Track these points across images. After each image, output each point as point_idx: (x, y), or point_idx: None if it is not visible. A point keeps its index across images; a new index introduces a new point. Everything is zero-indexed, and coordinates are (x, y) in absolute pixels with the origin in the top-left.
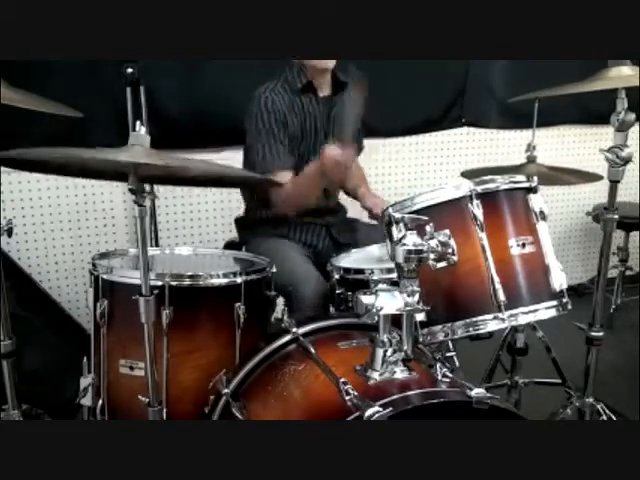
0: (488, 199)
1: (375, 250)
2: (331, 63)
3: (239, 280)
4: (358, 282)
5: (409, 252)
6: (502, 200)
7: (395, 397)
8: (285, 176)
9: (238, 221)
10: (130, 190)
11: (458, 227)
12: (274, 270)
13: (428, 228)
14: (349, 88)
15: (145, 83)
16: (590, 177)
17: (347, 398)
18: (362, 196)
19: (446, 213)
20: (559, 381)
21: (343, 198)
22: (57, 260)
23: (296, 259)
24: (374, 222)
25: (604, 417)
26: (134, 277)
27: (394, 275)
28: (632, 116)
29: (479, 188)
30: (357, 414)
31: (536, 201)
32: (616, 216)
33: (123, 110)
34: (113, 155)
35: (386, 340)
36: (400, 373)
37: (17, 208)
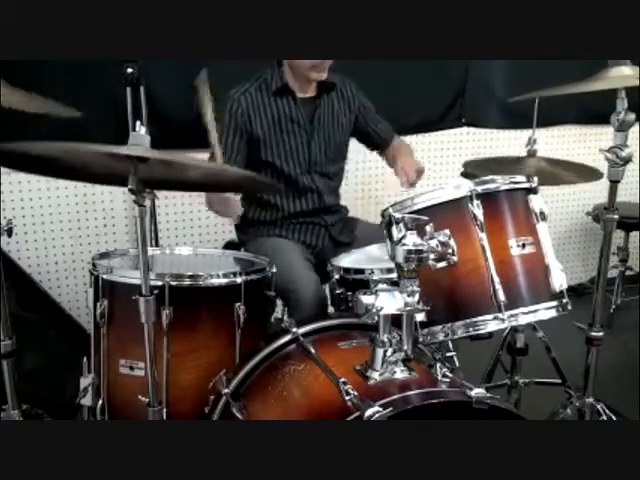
0: (488, 199)
1: (375, 250)
2: (324, 75)
3: (239, 280)
4: (358, 282)
5: (409, 252)
6: (502, 200)
7: (395, 397)
8: None
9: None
10: (130, 190)
11: (458, 227)
12: (274, 270)
13: (428, 228)
14: (338, 86)
15: (145, 83)
16: (591, 173)
17: (347, 398)
18: (395, 169)
19: (446, 213)
20: (559, 381)
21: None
22: (57, 260)
23: (295, 262)
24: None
25: (604, 417)
26: (134, 277)
27: (394, 275)
28: (632, 116)
29: (479, 188)
30: (357, 414)
31: (536, 201)
32: (616, 216)
33: (123, 110)
34: (113, 149)
35: (386, 340)
36: (400, 373)
37: (17, 208)
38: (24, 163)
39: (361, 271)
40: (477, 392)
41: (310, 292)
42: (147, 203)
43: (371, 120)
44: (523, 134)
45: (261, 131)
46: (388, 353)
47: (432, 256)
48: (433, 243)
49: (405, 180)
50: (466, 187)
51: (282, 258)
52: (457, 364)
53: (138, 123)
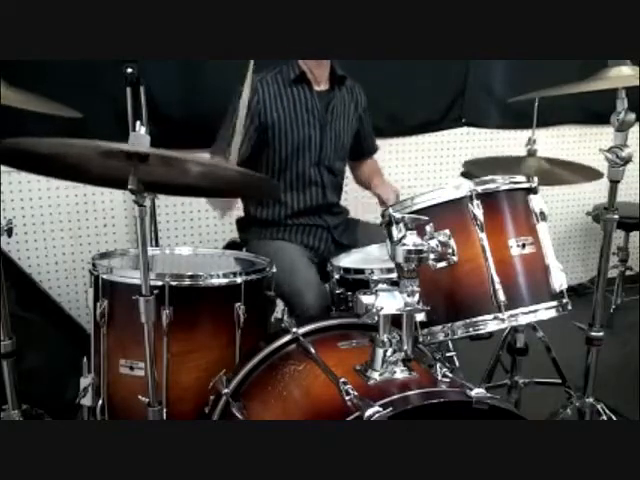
0: (488, 199)
1: (375, 250)
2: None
3: (239, 280)
4: (358, 282)
5: (409, 252)
6: (502, 200)
7: (395, 397)
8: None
9: (239, 222)
10: (130, 190)
11: (458, 227)
12: (274, 270)
13: (428, 228)
14: (348, 84)
15: (145, 83)
16: (591, 173)
17: (347, 398)
18: (374, 187)
19: (446, 213)
20: (559, 381)
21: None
22: (57, 260)
23: (298, 265)
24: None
25: (604, 417)
26: (134, 277)
27: (394, 275)
28: (632, 116)
29: (479, 188)
30: (357, 414)
31: (536, 202)
32: (616, 216)
33: (123, 110)
34: (113, 144)
35: (386, 340)
36: (400, 373)
37: (17, 208)
38: (24, 160)
39: (361, 271)
40: (477, 392)
41: (313, 296)
42: (147, 203)
43: (368, 128)
44: (523, 134)
45: (276, 120)
46: (388, 353)
47: (432, 256)
48: (433, 243)
49: (382, 204)
50: (466, 187)
51: (285, 261)
52: (457, 364)
53: (138, 123)
